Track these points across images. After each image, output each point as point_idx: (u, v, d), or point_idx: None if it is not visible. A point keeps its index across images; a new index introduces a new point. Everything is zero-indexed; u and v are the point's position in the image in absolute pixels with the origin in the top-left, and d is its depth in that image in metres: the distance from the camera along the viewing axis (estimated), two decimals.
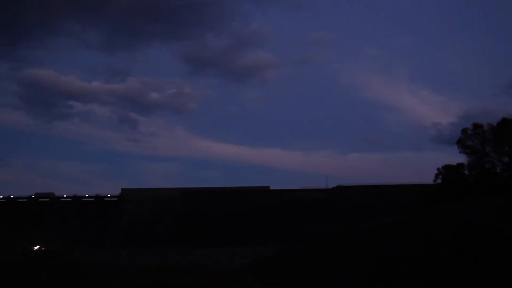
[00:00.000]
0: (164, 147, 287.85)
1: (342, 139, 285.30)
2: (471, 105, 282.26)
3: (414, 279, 26.87)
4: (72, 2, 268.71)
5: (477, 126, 71.01)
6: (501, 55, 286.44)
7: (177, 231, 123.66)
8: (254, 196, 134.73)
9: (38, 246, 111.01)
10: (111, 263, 70.16)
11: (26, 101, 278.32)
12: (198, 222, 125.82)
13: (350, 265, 35.42)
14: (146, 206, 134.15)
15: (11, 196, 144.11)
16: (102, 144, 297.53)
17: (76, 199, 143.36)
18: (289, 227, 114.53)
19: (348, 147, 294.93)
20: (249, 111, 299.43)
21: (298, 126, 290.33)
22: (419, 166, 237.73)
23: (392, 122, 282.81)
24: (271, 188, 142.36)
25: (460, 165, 72.93)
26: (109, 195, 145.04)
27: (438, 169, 75.04)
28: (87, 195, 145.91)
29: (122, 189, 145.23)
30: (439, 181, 74.51)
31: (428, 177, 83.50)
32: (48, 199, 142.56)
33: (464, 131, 72.11)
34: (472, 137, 71.23)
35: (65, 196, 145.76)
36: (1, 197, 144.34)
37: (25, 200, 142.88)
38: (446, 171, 73.77)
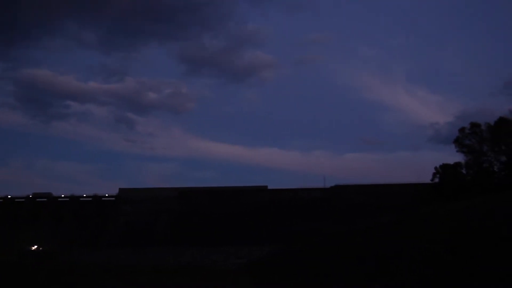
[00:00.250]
0: (161, 147, 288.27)
1: (340, 139, 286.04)
2: (468, 105, 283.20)
3: (410, 279, 26.81)
4: (69, 2, 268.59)
5: (474, 125, 71.09)
6: (498, 55, 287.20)
7: (174, 231, 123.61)
8: (251, 196, 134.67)
9: (35, 246, 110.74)
10: (108, 263, 70.15)
11: (23, 101, 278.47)
12: (195, 222, 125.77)
13: (347, 264, 35.37)
14: (144, 206, 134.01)
15: (9, 196, 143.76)
16: (99, 144, 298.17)
17: (74, 199, 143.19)
18: (286, 226, 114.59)
19: (345, 147, 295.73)
20: (247, 111, 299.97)
21: (296, 126, 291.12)
22: (417, 166, 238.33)
23: (390, 122, 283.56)
24: (269, 187, 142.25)
25: (457, 164, 73.03)
26: (106, 195, 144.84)
27: (435, 168, 75.20)
28: (84, 195, 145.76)
29: (120, 189, 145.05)
30: (436, 180, 74.66)
31: (425, 177, 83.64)
32: (45, 199, 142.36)
33: (462, 130, 72.20)
34: (469, 136, 71.33)
35: (62, 196, 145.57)
36: None
37: (23, 200, 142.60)
38: (444, 170, 73.87)
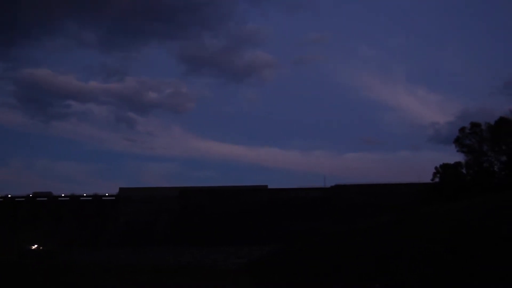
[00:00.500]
0: (161, 147, 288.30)
1: (340, 138, 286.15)
2: (469, 105, 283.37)
3: (410, 278, 26.80)
4: (70, 2, 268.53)
5: (474, 125, 70.94)
6: (498, 55, 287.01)
7: (174, 230, 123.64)
8: (251, 196, 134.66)
9: (36, 246, 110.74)
10: (108, 263, 70.15)
11: (23, 101, 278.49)
12: (195, 221, 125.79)
13: (347, 264, 35.33)
14: (144, 206, 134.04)
15: (9, 196, 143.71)
16: (99, 143, 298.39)
17: (74, 199, 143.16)
18: (286, 226, 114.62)
19: (345, 146, 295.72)
20: (247, 111, 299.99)
21: (296, 125, 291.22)
22: (417, 166, 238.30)
23: (390, 121, 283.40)
24: (269, 187, 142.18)
25: (457, 164, 72.88)
26: (107, 195, 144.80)
27: (436, 168, 75.05)
28: (85, 195, 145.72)
29: (120, 189, 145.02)
30: (437, 180, 74.49)
31: (426, 176, 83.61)
32: (45, 198, 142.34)
33: (462, 130, 72.05)
34: (469, 136, 71.17)
35: (62, 195, 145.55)
36: None
37: (23, 199, 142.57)
38: (444, 170, 73.73)
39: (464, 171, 72.38)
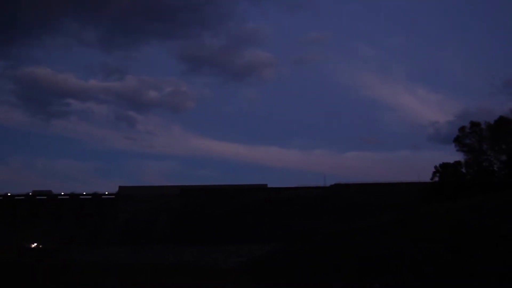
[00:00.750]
0: (161, 146, 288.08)
1: (340, 137, 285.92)
2: (468, 104, 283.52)
3: (410, 278, 26.76)
4: (70, 1, 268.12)
5: (474, 125, 70.83)
6: (498, 55, 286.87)
7: (175, 229, 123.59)
8: (252, 194, 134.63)
9: (36, 244, 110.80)
10: (108, 261, 70.08)
11: (23, 99, 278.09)
12: (195, 220, 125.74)
13: (347, 263, 35.29)
14: (144, 204, 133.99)
15: (8, 194, 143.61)
16: (99, 142, 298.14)
17: (74, 197, 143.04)
18: (287, 225, 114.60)
19: (345, 145, 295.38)
20: (247, 110, 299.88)
21: (296, 124, 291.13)
22: (417, 165, 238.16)
23: (390, 121, 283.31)
24: (269, 186, 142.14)
25: (457, 163, 72.75)
26: (106, 193, 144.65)
27: (435, 167, 74.90)
28: (84, 193, 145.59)
29: (120, 187, 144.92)
30: (436, 179, 74.33)
31: (425, 176, 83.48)
32: (45, 197, 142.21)
33: (462, 129, 71.94)
34: (469, 136, 71.05)
35: (62, 194, 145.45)
36: None
37: (23, 197, 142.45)
38: (444, 169, 73.60)
39: (464, 170, 72.27)
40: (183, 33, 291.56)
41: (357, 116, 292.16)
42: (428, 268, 26.77)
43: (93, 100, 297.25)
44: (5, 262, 67.76)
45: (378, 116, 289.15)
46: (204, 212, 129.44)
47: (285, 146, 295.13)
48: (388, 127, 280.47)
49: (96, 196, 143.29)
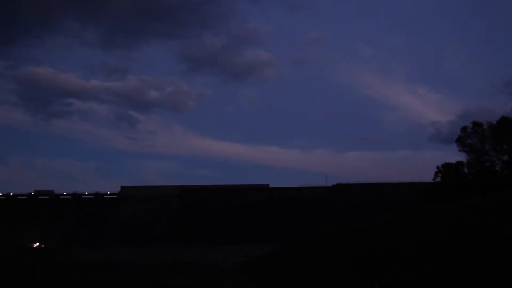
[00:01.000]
0: (162, 145, 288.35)
1: (340, 137, 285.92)
2: (469, 104, 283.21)
3: (410, 278, 26.60)
4: (70, 1, 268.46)
5: (476, 125, 70.63)
6: (498, 54, 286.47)
7: (175, 229, 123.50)
8: (253, 194, 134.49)
9: (37, 244, 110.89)
10: (108, 261, 69.97)
11: (24, 99, 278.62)
12: (196, 220, 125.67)
13: (347, 263, 35.13)
14: (145, 204, 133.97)
15: (10, 194, 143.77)
16: (100, 142, 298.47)
17: (76, 197, 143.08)
18: (288, 225, 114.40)
19: (346, 145, 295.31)
20: (247, 109, 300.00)
21: (296, 124, 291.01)
22: (418, 165, 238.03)
23: (391, 120, 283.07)
24: (270, 186, 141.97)
25: (459, 163, 72.53)
26: (108, 193, 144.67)
27: (437, 167, 74.69)
28: (86, 193, 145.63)
29: (122, 187, 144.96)
30: (438, 179, 74.11)
31: (426, 176, 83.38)
32: (47, 196, 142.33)
33: (464, 129, 71.74)
34: (471, 136, 70.84)
35: (64, 193, 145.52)
36: (0, 194, 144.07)
37: (25, 197, 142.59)
38: (446, 170, 73.39)
39: (466, 170, 72.02)
40: (184, 33, 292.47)
41: (358, 116, 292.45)
42: (428, 268, 26.60)
43: (94, 100, 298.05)
44: (5, 261, 67.78)
45: (379, 116, 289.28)
46: (205, 212, 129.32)
47: (285, 146, 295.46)
48: (389, 127, 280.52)
49: (98, 196, 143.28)
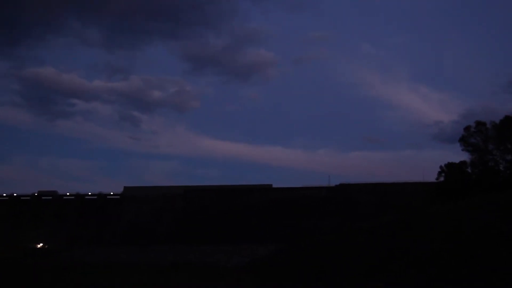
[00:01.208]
0: (165, 145, 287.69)
1: (343, 137, 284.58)
2: (472, 103, 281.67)
3: (414, 278, 26.49)
4: (73, 1, 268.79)
5: (480, 124, 70.39)
6: (502, 53, 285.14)
7: (178, 229, 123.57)
8: (256, 195, 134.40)
9: (41, 244, 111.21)
10: (110, 261, 70.09)
11: (27, 99, 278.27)
12: (199, 220, 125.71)
13: (350, 263, 35.07)
14: (147, 204, 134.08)
15: (14, 194, 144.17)
16: (104, 142, 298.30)
17: (79, 197, 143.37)
18: (291, 225, 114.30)
19: (349, 145, 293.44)
20: (250, 109, 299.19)
21: (299, 124, 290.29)
22: (421, 165, 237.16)
23: (394, 120, 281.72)
24: (273, 186, 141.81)
25: (463, 163, 72.30)
26: (111, 193, 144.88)
27: (441, 167, 74.47)
28: (90, 193, 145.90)
29: (125, 187, 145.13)
30: (442, 179, 73.89)
31: (429, 175, 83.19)
32: (51, 197, 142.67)
33: (467, 129, 71.53)
34: (475, 135, 70.60)
35: (67, 194, 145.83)
36: (4, 195, 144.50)
37: (28, 198, 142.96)
38: (449, 169, 73.16)
39: (469, 170, 71.81)
40: (187, 32, 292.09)
41: (361, 115, 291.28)
42: (432, 268, 26.48)
43: (98, 100, 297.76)
44: (10, 262, 67.98)
45: (381, 115, 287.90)
46: (207, 212, 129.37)
47: (288, 145, 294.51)
48: (392, 126, 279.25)
49: (101, 197, 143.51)
